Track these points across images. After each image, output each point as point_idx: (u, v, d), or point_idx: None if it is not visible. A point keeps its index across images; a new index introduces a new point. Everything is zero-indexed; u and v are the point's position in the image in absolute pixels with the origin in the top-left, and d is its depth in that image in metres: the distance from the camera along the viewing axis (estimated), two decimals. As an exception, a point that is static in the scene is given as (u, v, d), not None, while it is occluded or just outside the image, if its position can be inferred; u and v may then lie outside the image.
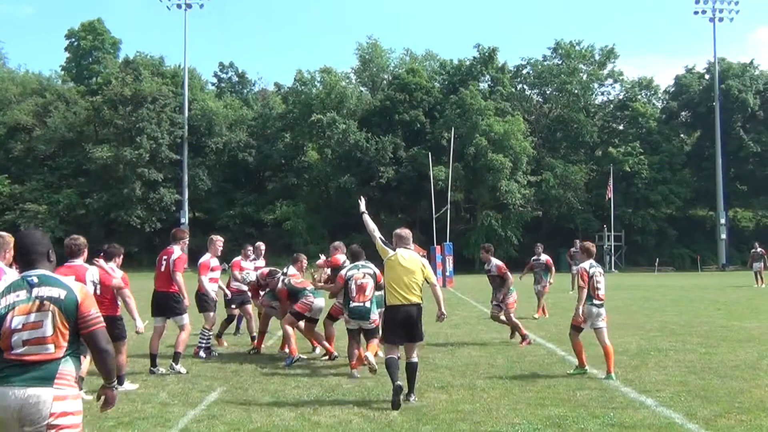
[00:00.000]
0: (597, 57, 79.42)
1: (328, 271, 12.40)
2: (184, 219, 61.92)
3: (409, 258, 8.72)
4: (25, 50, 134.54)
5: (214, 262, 12.52)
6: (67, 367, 4.03)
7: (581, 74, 78.87)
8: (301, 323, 11.99)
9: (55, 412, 3.91)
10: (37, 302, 4.01)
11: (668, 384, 9.23)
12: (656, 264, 63.32)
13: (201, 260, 12.25)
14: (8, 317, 3.97)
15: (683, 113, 79.15)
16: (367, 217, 9.58)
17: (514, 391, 8.84)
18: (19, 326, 3.97)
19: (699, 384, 9.19)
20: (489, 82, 77.32)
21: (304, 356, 11.93)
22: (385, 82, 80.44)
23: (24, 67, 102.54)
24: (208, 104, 71.52)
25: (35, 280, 4.09)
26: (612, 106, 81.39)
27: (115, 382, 4.37)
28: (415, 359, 8.58)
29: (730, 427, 7.07)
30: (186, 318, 10.82)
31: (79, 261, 8.39)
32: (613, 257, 69.38)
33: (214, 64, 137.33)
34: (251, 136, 74.52)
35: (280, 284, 12.15)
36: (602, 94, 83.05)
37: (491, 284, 14.09)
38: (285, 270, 12.49)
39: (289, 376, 10.15)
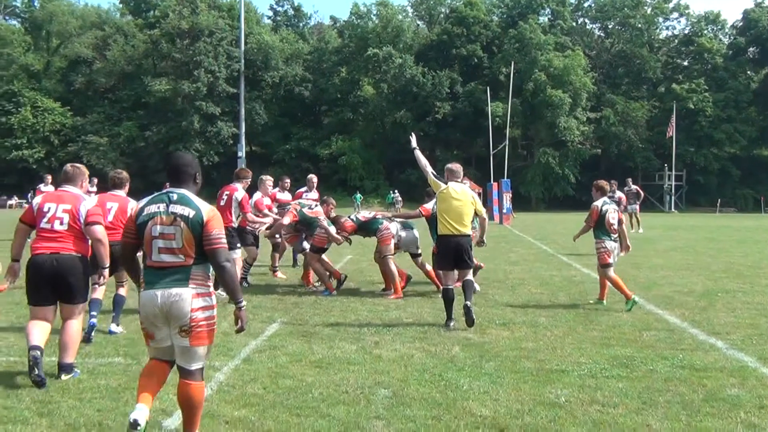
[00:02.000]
0: (663, -11, 76.76)
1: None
2: (241, 153, 62.18)
3: (461, 191, 9.04)
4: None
5: (266, 201, 12.74)
6: (198, 270, 4.55)
7: (645, 7, 76.42)
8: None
9: (195, 307, 4.47)
10: (171, 216, 4.55)
11: (738, 326, 8.90)
12: (718, 204, 61.79)
13: (253, 198, 12.17)
14: (149, 224, 4.56)
15: (751, 49, 76.34)
16: (418, 153, 9.72)
17: (577, 330, 8.62)
18: (157, 234, 4.53)
19: (771, 327, 8.87)
20: (549, 16, 75.55)
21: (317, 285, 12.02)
22: (442, 15, 79.08)
23: (83, 1, 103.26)
24: (265, 38, 71.30)
25: (174, 197, 4.62)
26: (677, 41, 78.91)
27: (242, 302, 4.72)
28: (469, 277, 9.05)
29: (808, 372, 6.78)
30: (238, 252, 10.90)
31: (122, 192, 8.62)
32: (673, 197, 68.10)
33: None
34: (307, 70, 74.28)
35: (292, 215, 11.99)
36: (667, 28, 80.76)
37: None
38: (353, 215, 12.35)
39: (349, 309, 10.07)
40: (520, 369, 6.76)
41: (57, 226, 6.29)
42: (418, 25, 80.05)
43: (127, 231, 4.74)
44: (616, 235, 10.49)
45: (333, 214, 12.20)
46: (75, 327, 6.35)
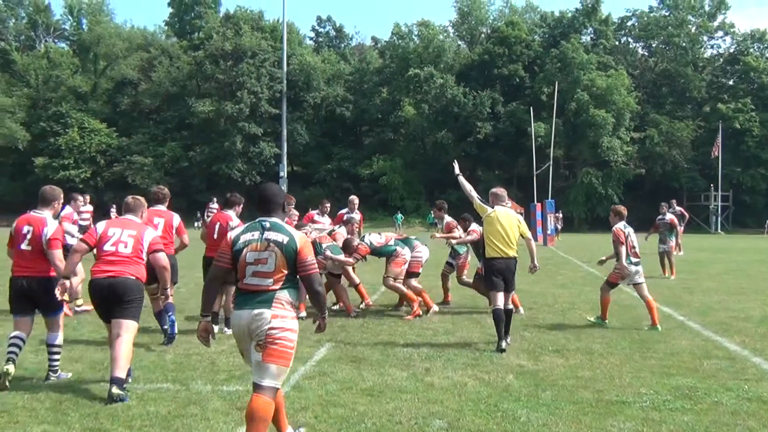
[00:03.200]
0: (707, 8, 75.93)
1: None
2: (283, 172, 62.48)
3: (506, 215, 9.30)
4: (130, 6, 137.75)
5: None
6: (282, 295, 4.85)
7: (689, 26, 75.47)
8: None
9: (274, 326, 4.75)
10: (266, 243, 4.87)
11: (803, 355, 8.56)
12: (766, 226, 60.36)
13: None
14: (245, 251, 4.88)
15: (799, 68, 74.70)
16: (462, 179, 9.87)
17: (635, 358, 8.34)
18: (252, 260, 4.86)
19: (838, 356, 8.49)
20: (591, 35, 74.97)
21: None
22: (483, 35, 78.92)
23: (129, 23, 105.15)
24: (306, 59, 71.72)
25: (267, 224, 4.96)
26: (722, 60, 77.58)
27: (326, 313, 5.17)
28: (510, 306, 9.15)
29: None
30: None
31: (163, 207, 9.37)
32: (719, 218, 66.86)
33: (312, 18, 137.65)
34: (348, 90, 74.54)
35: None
36: (711, 47, 79.50)
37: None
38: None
39: (397, 333, 9.89)
40: (579, 399, 6.52)
41: (121, 249, 6.81)
42: (459, 45, 79.93)
43: (221, 256, 5.03)
44: (638, 260, 10.76)
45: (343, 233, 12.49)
46: (126, 342, 6.61)
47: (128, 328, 6.68)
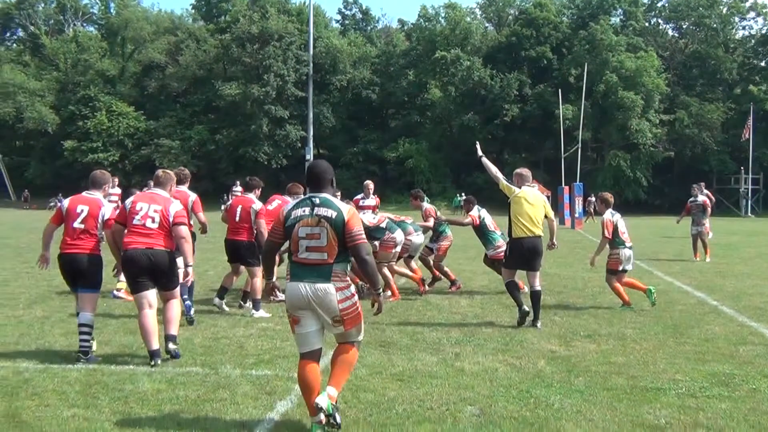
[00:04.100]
0: (739, -12, 74.38)
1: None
2: (309, 156, 62.41)
3: (533, 194, 9.49)
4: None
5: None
6: (338, 267, 5.10)
7: (721, 7, 74.09)
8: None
9: (341, 298, 5.06)
10: (317, 218, 5.08)
11: (842, 341, 8.35)
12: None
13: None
14: (297, 226, 5.12)
15: (832, 48, 73.29)
16: (486, 161, 9.95)
17: (668, 344, 8.18)
18: (304, 235, 5.09)
19: None
20: (621, 17, 73.98)
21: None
22: (511, 17, 78.08)
23: (157, 6, 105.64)
24: (333, 42, 71.46)
25: (317, 200, 5.16)
26: (753, 41, 76.15)
27: (380, 289, 5.40)
28: (538, 287, 9.27)
29: None
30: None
31: (183, 187, 9.47)
32: (749, 201, 65.93)
33: (338, 1, 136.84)
34: (374, 73, 74.21)
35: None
36: (743, 28, 77.99)
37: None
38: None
39: (425, 317, 9.81)
40: (613, 386, 6.39)
41: (149, 223, 7.08)
42: (487, 27, 79.19)
43: (274, 231, 5.35)
44: (630, 244, 10.97)
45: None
46: (175, 304, 7.37)
47: (175, 294, 7.38)
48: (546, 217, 9.55)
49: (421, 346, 7.95)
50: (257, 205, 10.03)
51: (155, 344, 6.96)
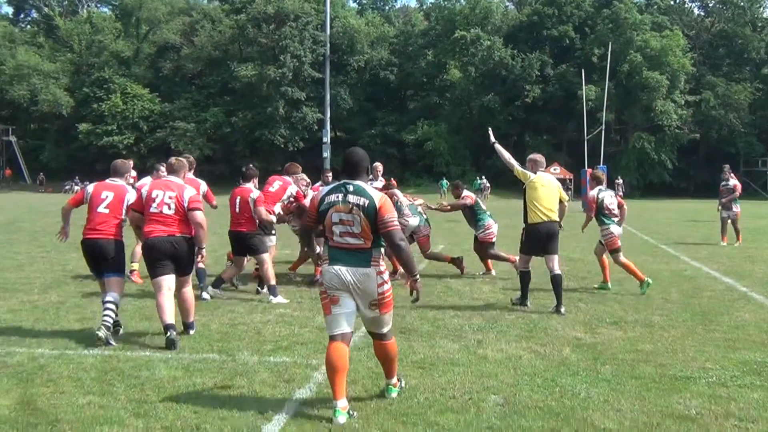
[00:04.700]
0: (767, -36, 73.35)
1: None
2: (326, 138, 62.32)
3: (547, 180, 9.62)
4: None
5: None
6: (376, 252, 5.31)
7: (749, -16, 73.07)
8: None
9: (380, 282, 5.26)
10: (349, 205, 5.24)
11: None
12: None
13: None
14: (330, 212, 5.28)
15: None
16: (499, 147, 10.10)
17: (697, 331, 8.07)
18: (337, 221, 5.26)
19: None
20: (645, -6, 73.12)
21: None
22: (532, -5, 77.40)
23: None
24: (350, 21, 71.24)
25: (351, 188, 5.31)
26: (782, 19, 75.15)
27: (417, 275, 5.52)
28: (558, 271, 9.30)
29: None
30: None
31: (190, 174, 9.39)
32: (778, 183, 65.27)
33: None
34: (393, 54, 73.90)
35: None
36: (772, 6, 76.83)
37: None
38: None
39: (447, 303, 9.73)
40: (641, 374, 6.30)
41: (165, 210, 7.36)
42: (507, 6, 78.64)
43: (308, 215, 5.61)
44: (618, 219, 11.10)
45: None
46: (190, 291, 7.74)
47: (188, 281, 7.72)
48: (560, 200, 9.64)
49: (443, 333, 7.89)
50: (255, 193, 9.99)
51: (171, 318, 7.22)
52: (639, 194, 63.20)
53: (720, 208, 18.71)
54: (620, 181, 45.20)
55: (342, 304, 5.27)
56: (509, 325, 8.30)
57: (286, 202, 10.83)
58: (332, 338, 5.28)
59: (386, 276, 5.35)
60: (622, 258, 10.85)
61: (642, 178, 65.62)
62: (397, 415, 5.21)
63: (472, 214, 12.49)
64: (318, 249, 6.85)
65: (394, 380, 5.64)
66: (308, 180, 12.37)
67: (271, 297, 9.74)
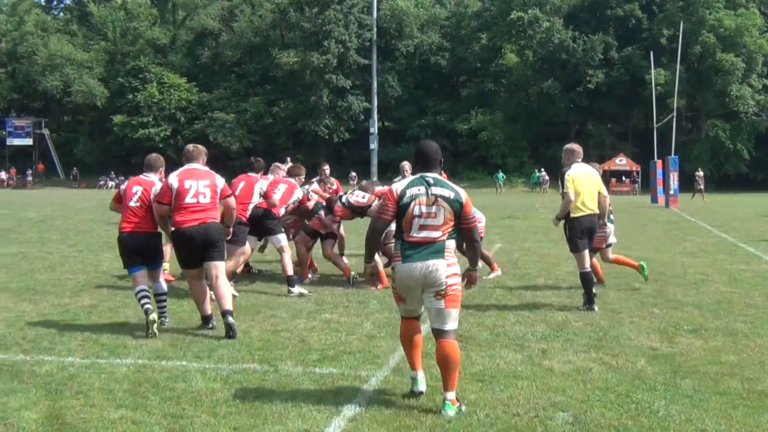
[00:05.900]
0: None
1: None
2: (374, 129, 62.46)
3: (585, 171, 9.70)
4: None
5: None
6: (450, 243, 5.58)
7: (834, -45, 71.22)
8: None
9: (449, 273, 5.50)
10: (433, 198, 5.53)
11: None
12: None
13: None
14: (412, 205, 5.53)
15: None
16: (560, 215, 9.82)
17: (786, 340, 7.77)
18: (419, 213, 5.52)
19: None
20: (719, -31, 71.66)
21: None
22: (595, -28, 76.41)
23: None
24: (398, 3, 71.06)
25: (431, 180, 5.60)
26: None
27: (478, 267, 6.01)
28: (588, 268, 9.52)
29: None
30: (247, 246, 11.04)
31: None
32: None
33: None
34: (444, 37, 73.59)
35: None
36: None
37: None
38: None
39: (506, 308, 9.52)
40: (725, 390, 6.04)
41: (202, 199, 7.91)
42: (568, -16, 77.94)
43: (385, 209, 5.70)
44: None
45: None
46: (224, 281, 8.13)
47: (222, 268, 8.20)
48: (599, 193, 9.73)
49: (503, 342, 7.69)
50: (263, 183, 10.72)
51: (209, 309, 8.11)
52: (713, 187, 61.98)
53: None
54: (700, 173, 44.23)
55: (409, 302, 5.75)
56: (576, 333, 8.07)
57: (291, 206, 11.33)
58: (403, 318, 5.92)
59: (456, 269, 5.56)
60: (609, 255, 11.09)
61: (716, 170, 64.43)
62: (455, 435, 5.05)
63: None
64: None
65: (454, 396, 5.50)
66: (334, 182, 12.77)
67: (291, 289, 10.33)
